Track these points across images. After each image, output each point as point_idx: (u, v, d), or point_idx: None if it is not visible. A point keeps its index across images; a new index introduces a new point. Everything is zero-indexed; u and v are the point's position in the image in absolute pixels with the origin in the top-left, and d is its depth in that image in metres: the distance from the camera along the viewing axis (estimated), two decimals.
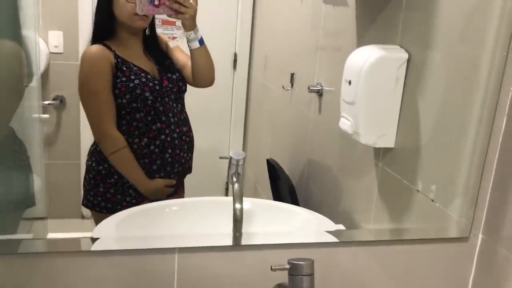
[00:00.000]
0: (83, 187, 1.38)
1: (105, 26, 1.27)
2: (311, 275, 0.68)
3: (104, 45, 1.26)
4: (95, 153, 1.34)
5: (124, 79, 1.26)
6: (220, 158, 1.04)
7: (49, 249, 0.91)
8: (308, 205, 1.48)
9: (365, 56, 1.03)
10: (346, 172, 1.31)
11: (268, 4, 1.88)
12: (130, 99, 1.27)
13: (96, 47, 1.26)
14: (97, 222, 1.31)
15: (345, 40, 1.29)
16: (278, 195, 1.57)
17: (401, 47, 1.04)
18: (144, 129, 1.30)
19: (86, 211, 1.42)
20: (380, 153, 1.13)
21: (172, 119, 1.34)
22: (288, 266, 0.68)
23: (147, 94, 1.28)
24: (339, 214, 1.29)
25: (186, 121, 1.39)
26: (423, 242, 1.02)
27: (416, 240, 1.03)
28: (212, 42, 1.33)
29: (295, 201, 1.45)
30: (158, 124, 1.31)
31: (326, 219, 1.17)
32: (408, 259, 1.03)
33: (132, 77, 1.27)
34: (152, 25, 1.33)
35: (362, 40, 1.20)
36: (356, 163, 1.24)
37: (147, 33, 1.33)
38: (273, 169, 1.58)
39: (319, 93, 1.41)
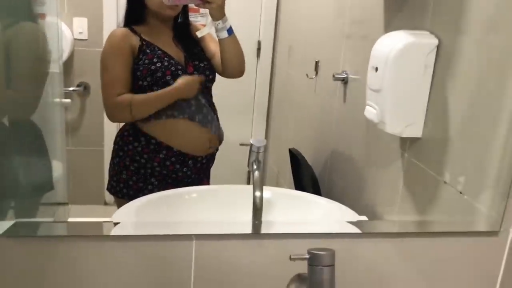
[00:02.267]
0: (108, 173, 1.39)
1: (136, 13, 1.29)
2: (332, 265, 0.66)
3: (131, 29, 1.28)
4: (119, 139, 1.35)
5: (146, 61, 1.26)
6: (241, 145, 1.02)
7: (68, 232, 0.91)
8: (330, 196, 1.45)
9: (393, 42, 0.99)
10: (371, 163, 1.27)
11: None
12: (151, 81, 1.27)
13: (120, 29, 1.29)
14: (119, 208, 1.32)
15: (371, 26, 1.25)
16: (300, 186, 1.55)
17: (431, 33, 1.00)
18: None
19: (109, 198, 1.43)
20: (407, 143, 1.09)
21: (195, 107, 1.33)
22: (307, 256, 0.66)
23: (168, 77, 1.28)
24: (363, 205, 1.27)
25: (212, 110, 1.38)
26: (451, 235, 0.99)
27: (443, 233, 0.99)
28: (235, 30, 1.31)
29: (317, 192, 1.43)
30: None
31: (348, 210, 1.15)
32: (434, 253, 0.99)
33: (155, 60, 1.27)
34: (184, 13, 1.34)
35: (389, 26, 1.16)
36: (382, 153, 1.21)
37: (179, 20, 1.33)
38: (296, 159, 1.56)
39: (344, 81, 1.38)
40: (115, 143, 1.36)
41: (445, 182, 0.99)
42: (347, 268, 0.94)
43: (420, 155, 1.06)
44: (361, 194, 1.30)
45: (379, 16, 1.20)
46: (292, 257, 0.68)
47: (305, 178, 1.51)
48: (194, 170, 1.37)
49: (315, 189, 1.44)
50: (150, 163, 1.33)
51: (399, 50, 0.98)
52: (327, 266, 0.65)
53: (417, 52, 0.99)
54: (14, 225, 0.85)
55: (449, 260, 1.00)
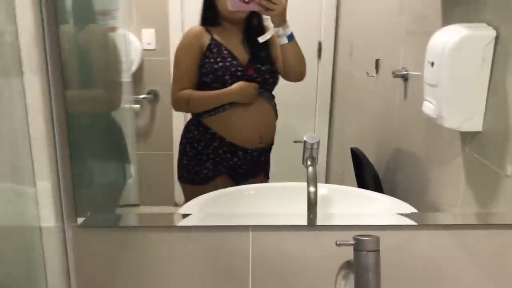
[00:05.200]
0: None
1: (209, 16, 1.38)
2: (377, 251, 0.68)
3: (206, 28, 1.38)
4: (185, 128, 1.45)
5: (212, 60, 1.36)
6: (295, 142, 1.06)
7: (139, 223, 1.00)
8: (393, 194, 1.44)
9: (449, 36, 0.99)
10: (432, 159, 1.26)
11: None
12: (212, 79, 1.37)
13: (195, 28, 1.39)
14: (184, 191, 1.46)
15: (430, 22, 1.24)
16: (362, 185, 1.55)
17: (488, 24, 0.99)
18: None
19: (178, 199, 1.50)
20: (467, 138, 1.07)
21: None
22: (353, 242, 0.69)
23: (227, 77, 1.36)
24: (426, 203, 1.25)
25: (269, 110, 1.45)
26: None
27: (504, 225, 0.97)
28: (296, 31, 1.35)
29: (379, 190, 1.42)
30: None
31: (408, 206, 1.14)
32: (494, 245, 0.97)
33: (219, 59, 1.36)
34: (258, 16, 1.39)
35: (447, 20, 1.15)
36: (443, 149, 1.19)
37: (254, 23, 1.39)
38: (358, 158, 1.56)
39: (404, 78, 1.38)
40: (182, 132, 1.47)
41: (506, 176, 0.97)
42: (404, 260, 0.94)
43: (481, 149, 1.04)
44: (423, 191, 1.28)
45: (437, 11, 1.18)
46: (337, 243, 0.71)
47: (367, 176, 1.51)
48: (245, 162, 1.45)
49: (377, 187, 1.43)
50: (205, 150, 1.44)
51: (454, 43, 0.97)
52: (372, 251, 0.68)
53: (474, 45, 0.97)
54: (90, 216, 0.95)
55: (510, 253, 0.97)
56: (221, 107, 1.40)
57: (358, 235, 0.69)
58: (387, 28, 1.56)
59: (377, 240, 0.68)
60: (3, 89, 0.86)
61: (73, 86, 0.94)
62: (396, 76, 1.39)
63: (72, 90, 0.94)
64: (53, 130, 0.92)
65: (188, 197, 1.40)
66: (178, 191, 1.54)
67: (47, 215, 0.93)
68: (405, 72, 1.37)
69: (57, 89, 0.91)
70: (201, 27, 1.38)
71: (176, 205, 1.53)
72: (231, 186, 1.41)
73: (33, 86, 0.89)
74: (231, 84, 1.38)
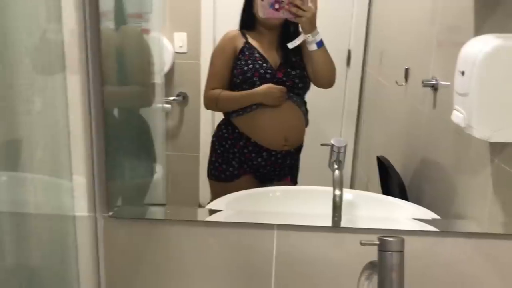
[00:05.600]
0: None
1: (246, 21, 1.43)
2: (401, 252, 0.69)
3: (242, 32, 1.43)
4: (216, 126, 1.50)
5: (243, 62, 1.42)
6: (322, 145, 1.08)
7: (165, 216, 1.04)
8: (418, 203, 1.44)
9: (481, 46, 0.99)
10: (460, 170, 1.25)
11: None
12: (242, 80, 1.42)
13: (232, 32, 1.45)
14: (211, 188, 1.51)
15: (462, 32, 1.24)
16: (388, 193, 1.55)
17: None
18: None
19: (203, 200, 1.53)
20: (497, 149, 1.07)
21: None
22: (377, 242, 0.70)
23: (255, 79, 1.41)
24: (451, 214, 1.24)
25: (297, 114, 1.48)
26: None
27: None
28: (326, 39, 1.37)
29: (404, 199, 1.42)
30: None
31: (433, 215, 1.14)
32: None
33: (249, 61, 1.41)
34: (295, 22, 1.42)
35: (480, 31, 1.15)
36: (471, 160, 1.19)
37: (290, 29, 1.42)
38: (384, 166, 1.57)
39: (434, 88, 1.37)
40: (214, 131, 1.52)
41: None
42: (425, 266, 0.95)
43: (511, 161, 1.03)
44: (449, 201, 1.28)
45: (469, 22, 1.19)
46: (362, 242, 0.72)
47: (392, 185, 1.51)
48: (269, 163, 1.49)
49: (402, 196, 1.43)
50: (232, 148, 1.48)
51: (486, 53, 0.97)
52: (396, 251, 0.69)
53: (506, 55, 0.97)
54: (121, 208, 0.99)
55: None
56: (249, 107, 1.44)
57: (382, 236, 0.70)
58: (418, 37, 1.56)
59: (401, 241, 0.69)
60: (47, 85, 0.91)
61: (110, 85, 0.98)
62: (425, 85, 1.39)
63: (109, 88, 0.98)
64: (91, 126, 0.96)
65: (214, 194, 1.45)
66: (202, 192, 1.56)
67: (81, 205, 0.98)
68: (434, 82, 1.37)
69: (96, 87, 0.95)
70: (237, 31, 1.43)
71: (201, 206, 1.56)
72: (256, 186, 1.45)
73: (74, 83, 0.93)
74: (259, 86, 1.42)
